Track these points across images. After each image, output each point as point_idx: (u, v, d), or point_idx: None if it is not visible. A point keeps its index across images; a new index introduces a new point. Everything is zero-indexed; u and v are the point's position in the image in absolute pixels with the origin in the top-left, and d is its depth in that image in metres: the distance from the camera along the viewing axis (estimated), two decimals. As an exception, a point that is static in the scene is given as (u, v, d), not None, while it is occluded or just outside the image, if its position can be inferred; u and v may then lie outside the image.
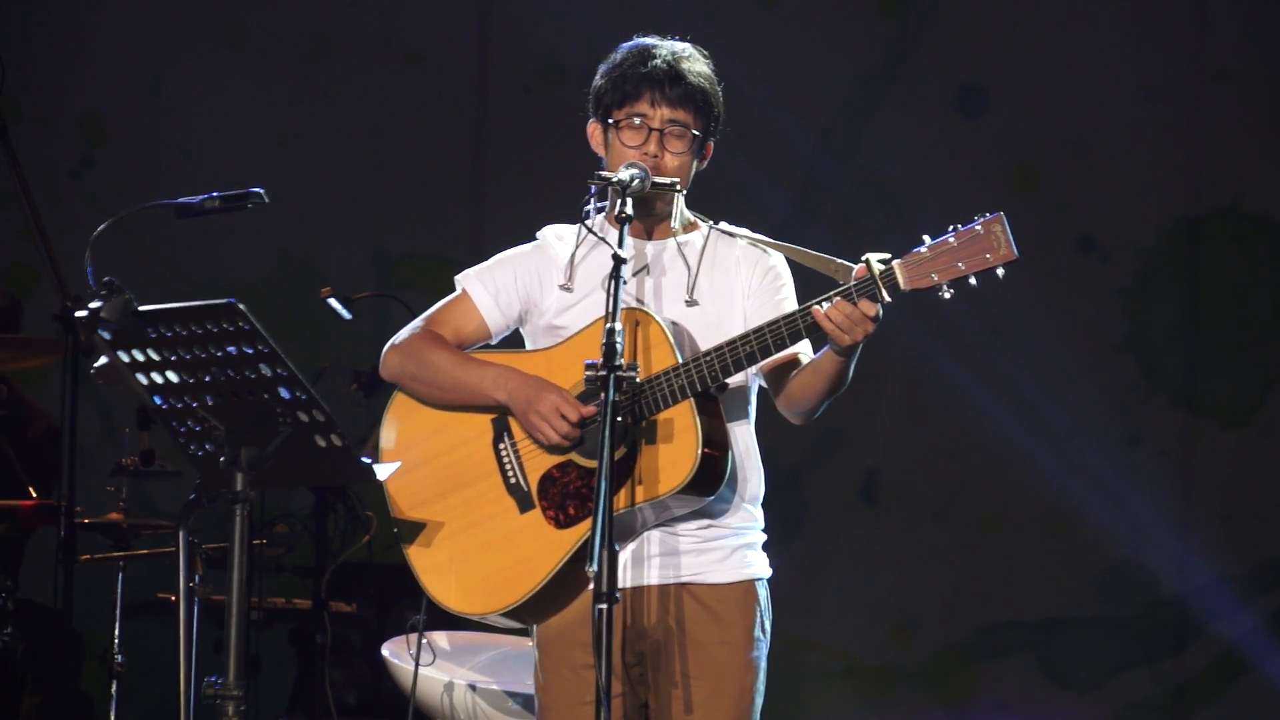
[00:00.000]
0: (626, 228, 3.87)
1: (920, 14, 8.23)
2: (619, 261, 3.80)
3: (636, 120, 4.02)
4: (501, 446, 4.03)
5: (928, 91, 8.19)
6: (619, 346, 3.72)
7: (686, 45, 4.09)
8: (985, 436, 7.99)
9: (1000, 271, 3.75)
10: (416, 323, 4.15)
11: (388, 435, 4.13)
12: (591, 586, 3.62)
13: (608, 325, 3.74)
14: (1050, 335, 8.03)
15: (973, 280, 3.76)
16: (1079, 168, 8.09)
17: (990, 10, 8.16)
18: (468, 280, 4.15)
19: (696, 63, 4.06)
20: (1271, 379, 8.02)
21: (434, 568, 4.05)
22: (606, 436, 3.65)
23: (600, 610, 3.61)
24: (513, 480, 4.01)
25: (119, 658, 6.17)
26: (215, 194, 4.02)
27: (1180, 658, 7.99)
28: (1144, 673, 8.00)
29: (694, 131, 4.03)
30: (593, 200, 3.99)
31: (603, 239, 3.98)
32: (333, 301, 7.17)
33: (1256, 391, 8.02)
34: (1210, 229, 8.05)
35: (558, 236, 4.16)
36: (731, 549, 4.04)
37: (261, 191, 4.01)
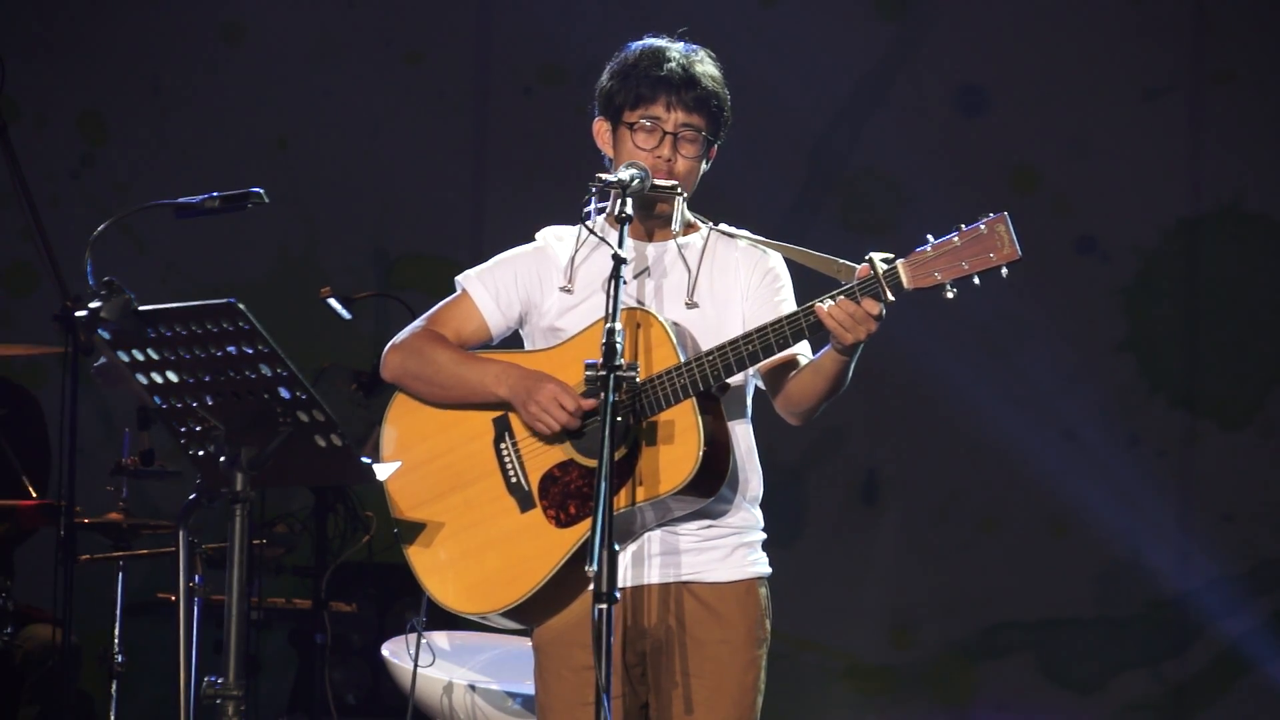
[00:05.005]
0: (626, 228, 3.87)
1: (920, 14, 8.23)
2: (619, 261, 3.80)
3: (649, 123, 4.02)
4: (502, 446, 4.03)
5: (928, 91, 8.19)
6: (619, 346, 3.72)
7: (696, 47, 4.09)
8: (985, 436, 7.99)
9: (1004, 271, 3.75)
10: (417, 323, 4.15)
11: (389, 436, 4.12)
12: (591, 586, 3.62)
13: (608, 325, 3.74)
14: (1050, 335, 8.03)
15: (976, 280, 3.76)
16: (1079, 168, 8.09)
17: (990, 10, 8.16)
18: (468, 281, 4.15)
19: (708, 66, 4.06)
20: (1271, 379, 8.02)
21: (434, 567, 4.05)
22: (606, 436, 3.65)
23: (600, 610, 3.61)
24: (513, 480, 4.01)
25: (119, 658, 6.17)
26: (215, 194, 4.01)
27: (1180, 658, 7.99)
28: (1144, 673, 8.00)
29: (705, 135, 4.04)
30: (593, 201, 3.98)
31: (603, 239, 3.97)
32: (333, 301, 7.17)
33: (1256, 391, 8.03)
34: (1211, 229, 8.05)
35: (557, 238, 4.16)
36: (732, 548, 4.04)
37: (261, 191, 4.01)
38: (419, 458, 4.09)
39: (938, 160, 8.12)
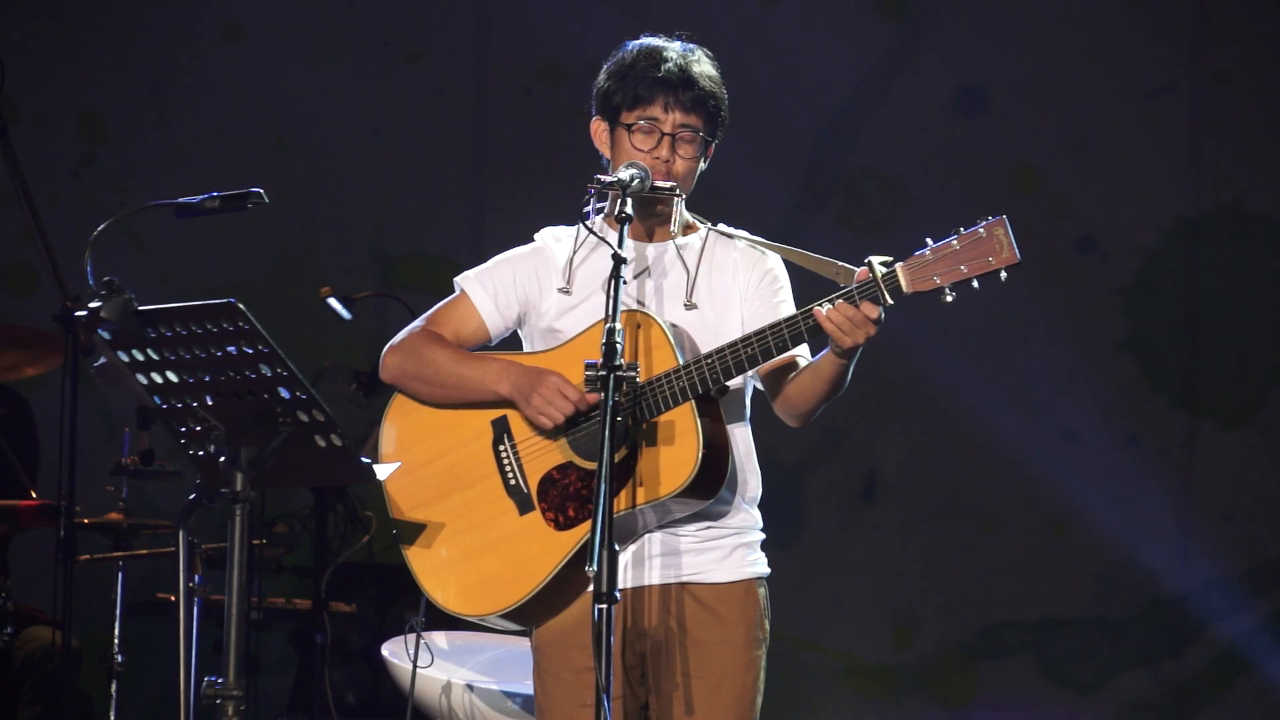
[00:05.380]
0: (626, 228, 3.87)
1: (920, 14, 8.23)
2: (619, 261, 3.80)
3: (647, 124, 4.01)
4: (501, 448, 4.03)
5: (928, 91, 8.19)
6: (619, 346, 3.72)
7: (693, 46, 4.08)
8: (985, 436, 7.99)
9: (1003, 275, 3.75)
10: (415, 324, 4.15)
11: (388, 437, 4.12)
12: (591, 588, 3.62)
13: (608, 325, 3.74)
14: (1050, 335, 8.03)
15: (975, 284, 3.76)
16: (1079, 168, 8.09)
17: (990, 10, 8.16)
18: (467, 282, 4.15)
19: (705, 65, 4.05)
20: (1271, 379, 8.02)
21: (433, 569, 4.05)
22: (606, 437, 3.65)
23: (600, 610, 3.61)
24: (512, 482, 4.01)
25: (119, 658, 6.17)
26: (215, 194, 4.01)
27: (1180, 658, 7.99)
28: (1144, 673, 8.00)
29: (703, 136, 4.04)
30: (592, 202, 3.98)
31: (603, 239, 3.98)
32: (333, 301, 7.17)
33: (1256, 391, 8.02)
34: (1210, 229, 8.05)
35: (555, 238, 4.15)
36: (731, 548, 4.03)
37: (261, 191, 4.01)
38: (418, 459, 4.09)
39: (938, 160, 8.12)
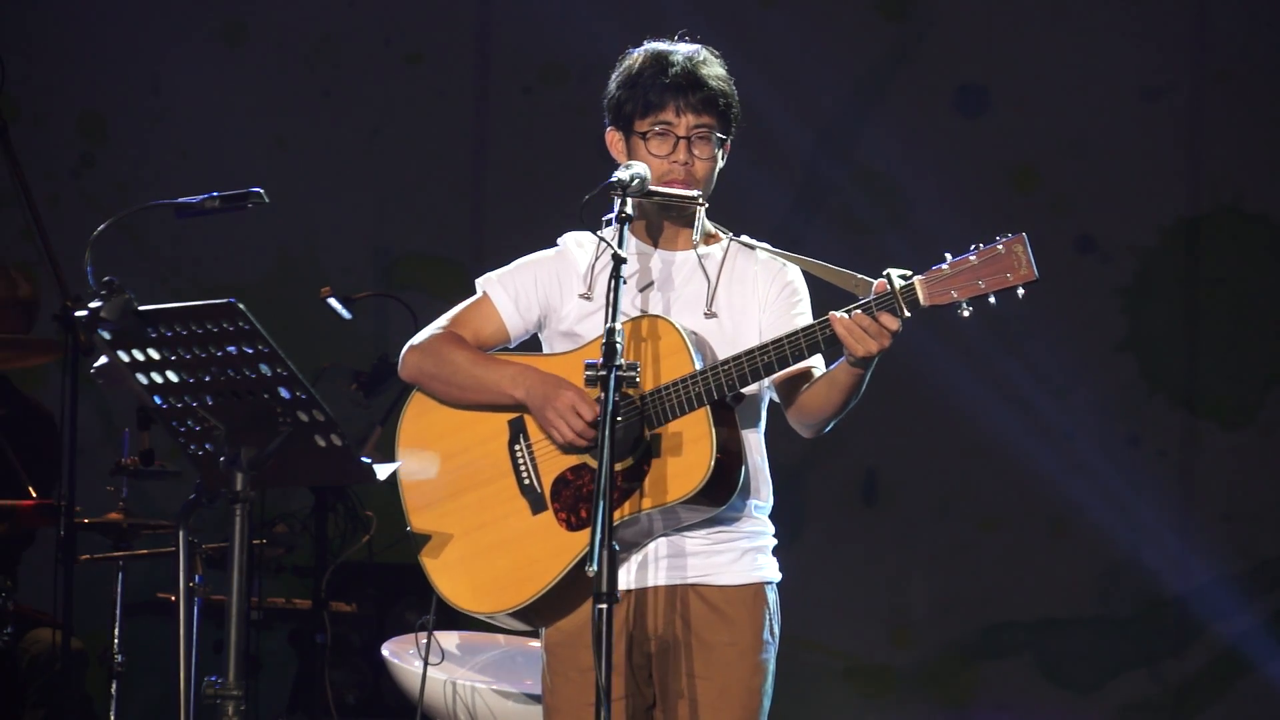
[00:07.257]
0: (627, 228, 3.88)
1: (920, 14, 8.23)
2: (619, 261, 3.81)
3: (661, 129, 4.02)
4: (517, 448, 4.04)
5: (928, 91, 8.19)
6: (619, 347, 3.73)
7: (697, 47, 4.10)
8: (985, 436, 7.99)
9: (1020, 291, 3.77)
10: (436, 324, 4.16)
11: (405, 434, 4.13)
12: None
13: (608, 325, 3.75)
14: (1050, 335, 8.03)
15: (992, 299, 3.78)
16: (1079, 168, 8.09)
17: (990, 10, 8.16)
18: (489, 283, 4.16)
19: (713, 65, 4.07)
20: (1271, 379, 8.02)
21: (445, 566, 4.06)
22: (606, 436, 3.66)
23: (600, 610, 3.61)
24: (526, 481, 4.02)
25: (119, 658, 6.16)
26: (215, 194, 4.01)
27: (1180, 658, 7.99)
28: (1144, 673, 8.01)
29: (718, 134, 4.04)
30: (615, 207, 3.99)
31: (608, 243, 3.98)
32: (333, 301, 7.17)
33: (1256, 391, 8.03)
34: (1210, 229, 8.05)
35: (578, 243, 4.16)
36: (741, 551, 4.04)
37: (261, 191, 4.01)
38: (434, 456, 4.10)
39: (938, 160, 8.12)
